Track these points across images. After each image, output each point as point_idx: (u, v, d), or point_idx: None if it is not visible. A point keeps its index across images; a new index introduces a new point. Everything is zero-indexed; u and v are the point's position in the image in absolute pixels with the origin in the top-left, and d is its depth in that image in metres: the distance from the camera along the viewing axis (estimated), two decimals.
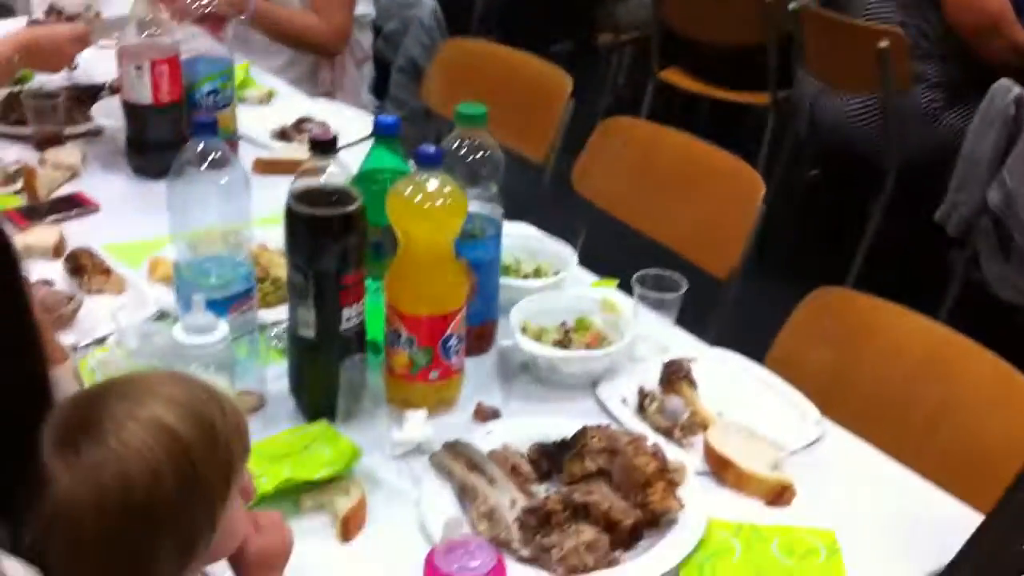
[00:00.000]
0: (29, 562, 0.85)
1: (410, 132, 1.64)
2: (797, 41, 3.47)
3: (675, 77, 3.95)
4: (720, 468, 1.39)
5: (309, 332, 1.39)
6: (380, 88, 3.28)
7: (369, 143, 1.55)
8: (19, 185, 1.93)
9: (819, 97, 3.45)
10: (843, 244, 3.42)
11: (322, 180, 1.37)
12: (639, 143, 2.39)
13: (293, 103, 2.42)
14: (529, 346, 1.55)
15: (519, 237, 1.81)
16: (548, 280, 1.75)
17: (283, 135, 2.24)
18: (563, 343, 1.60)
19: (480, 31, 4.24)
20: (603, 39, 4.32)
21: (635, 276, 1.65)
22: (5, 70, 2.02)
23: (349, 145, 1.91)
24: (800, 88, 3.55)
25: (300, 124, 2.26)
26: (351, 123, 2.25)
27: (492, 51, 2.80)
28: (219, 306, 1.38)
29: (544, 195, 2.44)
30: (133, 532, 0.89)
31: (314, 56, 2.82)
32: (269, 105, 2.40)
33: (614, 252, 2.03)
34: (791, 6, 3.42)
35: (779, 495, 1.35)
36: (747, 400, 1.55)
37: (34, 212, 1.88)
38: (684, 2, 3.75)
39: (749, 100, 3.83)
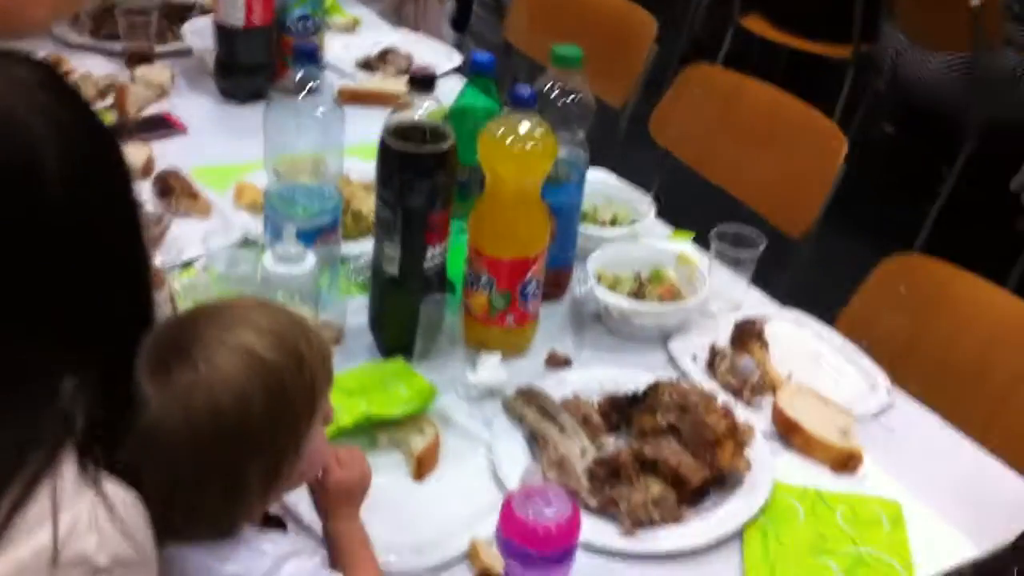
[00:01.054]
0: (125, 482, 0.87)
1: None
2: None
3: (756, 24, 3.88)
4: (788, 431, 1.40)
5: (393, 268, 1.41)
6: (460, 22, 3.27)
7: (451, 76, 1.53)
8: (109, 101, 1.94)
9: (903, 53, 3.38)
10: (915, 205, 3.37)
11: (417, 116, 1.37)
12: (721, 93, 2.36)
13: (377, 33, 2.41)
14: (604, 295, 1.56)
15: (596, 183, 1.79)
16: (624, 229, 1.75)
17: (367, 65, 2.23)
18: (637, 294, 1.60)
19: None
20: None
21: (714, 231, 1.64)
22: None
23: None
24: (884, 42, 3.47)
25: (384, 55, 2.25)
26: (435, 56, 2.25)
27: None
28: (306, 236, 1.39)
29: (620, 140, 2.43)
30: (223, 453, 0.92)
31: None
32: (354, 33, 2.39)
33: (686, 201, 2.02)
34: None
35: (846, 463, 1.36)
36: (817, 364, 1.56)
37: (123, 129, 1.89)
38: None
39: (831, 52, 3.76)
